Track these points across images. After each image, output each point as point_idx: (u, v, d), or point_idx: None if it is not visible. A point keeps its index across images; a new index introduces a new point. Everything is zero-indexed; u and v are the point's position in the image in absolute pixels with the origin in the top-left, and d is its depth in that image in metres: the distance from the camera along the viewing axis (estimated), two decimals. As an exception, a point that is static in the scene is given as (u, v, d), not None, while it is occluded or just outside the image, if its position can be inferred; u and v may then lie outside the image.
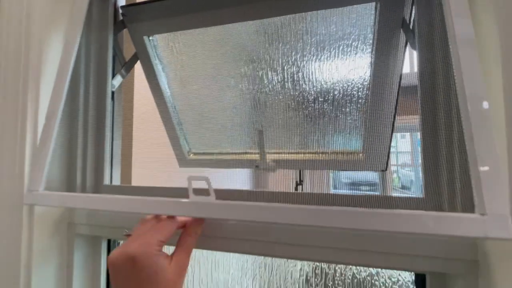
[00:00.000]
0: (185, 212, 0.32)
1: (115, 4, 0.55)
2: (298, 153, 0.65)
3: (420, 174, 0.36)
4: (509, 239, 0.22)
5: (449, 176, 0.33)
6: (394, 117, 0.56)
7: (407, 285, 0.36)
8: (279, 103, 0.59)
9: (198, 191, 0.35)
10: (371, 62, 0.50)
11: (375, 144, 0.58)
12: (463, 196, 0.31)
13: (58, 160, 0.46)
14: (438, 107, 0.35)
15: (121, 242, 0.51)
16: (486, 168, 0.24)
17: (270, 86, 0.57)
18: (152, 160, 0.94)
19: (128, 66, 0.58)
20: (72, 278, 0.45)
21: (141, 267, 0.26)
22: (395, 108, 0.55)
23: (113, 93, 0.54)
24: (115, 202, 0.35)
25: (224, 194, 0.41)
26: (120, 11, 0.56)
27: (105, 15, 0.53)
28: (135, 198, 0.35)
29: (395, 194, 0.45)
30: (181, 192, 0.42)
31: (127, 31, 0.58)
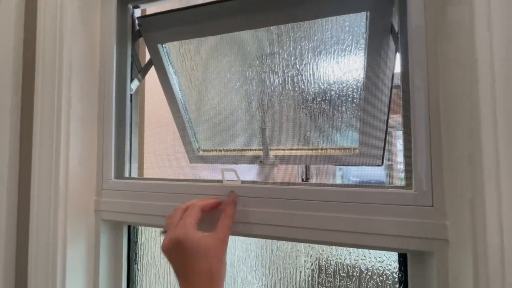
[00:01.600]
0: (221, 191, 0.45)
1: (132, 15, 0.62)
2: (299, 149, 0.70)
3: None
4: (429, 205, 0.35)
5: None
6: (388, 115, 0.60)
7: (390, 263, 0.41)
8: (281, 103, 0.64)
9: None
10: (364, 65, 0.55)
11: (371, 140, 0.62)
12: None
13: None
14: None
15: (141, 228, 0.58)
16: (419, 161, 0.36)
17: (272, 87, 0.62)
18: (164, 156, 1.01)
19: (144, 71, 0.64)
20: (99, 257, 0.52)
21: (186, 245, 0.33)
22: (389, 107, 0.59)
23: (131, 96, 0.60)
24: (165, 186, 0.48)
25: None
26: (137, 21, 0.62)
27: (124, 26, 0.59)
28: (183, 184, 0.48)
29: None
30: (198, 183, 0.48)
31: (142, 40, 0.64)
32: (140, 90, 0.96)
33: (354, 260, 0.43)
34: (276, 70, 0.60)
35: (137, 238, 0.57)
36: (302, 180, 2.51)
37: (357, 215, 0.37)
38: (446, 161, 0.34)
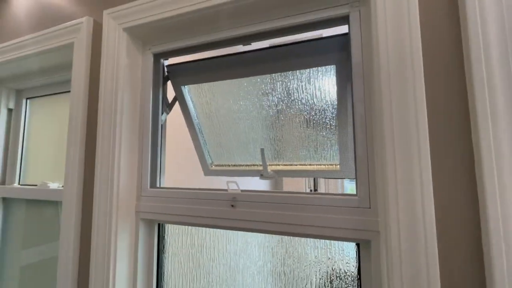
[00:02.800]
0: (226, 197, 0.61)
1: (163, 65, 0.82)
2: (291, 165, 0.87)
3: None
4: (367, 207, 0.47)
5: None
6: (354, 137, 0.76)
7: (348, 249, 0.56)
8: (277, 129, 0.82)
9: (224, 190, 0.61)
10: (336, 100, 0.71)
11: (346, 158, 0.78)
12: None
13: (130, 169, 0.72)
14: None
15: (167, 225, 0.76)
16: (361, 175, 0.47)
17: (268, 117, 0.80)
18: (183, 171, 1.21)
19: (170, 106, 0.84)
20: (138, 246, 0.70)
21: None
22: (354, 132, 0.75)
23: (161, 125, 0.80)
24: (186, 193, 0.64)
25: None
26: (165, 69, 0.83)
27: (158, 73, 0.80)
28: (198, 192, 0.64)
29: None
30: (210, 191, 0.66)
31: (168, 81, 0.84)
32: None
33: (322, 249, 0.58)
34: (271, 104, 0.78)
35: (164, 233, 0.75)
36: (310, 190, 2.65)
37: (318, 214, 0.53)
38: (378, 173, 0.50)
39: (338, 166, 0.82)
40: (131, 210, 0.71)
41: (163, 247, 0.74)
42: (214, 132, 0.91)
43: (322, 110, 0.74)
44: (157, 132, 0.77)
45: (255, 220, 0.59)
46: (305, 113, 0.76)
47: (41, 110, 1.12)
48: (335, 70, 0.67)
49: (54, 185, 1.00)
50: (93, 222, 0.68)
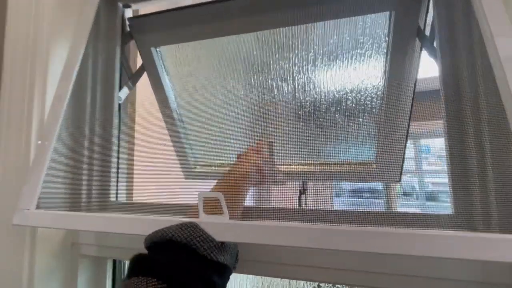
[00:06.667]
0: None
1: (122, 15, 0.55)
2: (308, 164, 0.64)
3: (448, 187, 0.35)
4: None
5: (481, 189, 0.31)
6: (408, 126, 0.55)
7: None
8: (290, 114, 0.58)
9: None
10: (385, 71, 0.49)
11: (389, 154, 0.56)
12: (500, 212, 0.29)
13: (63, 176, 0.44)
14: (464, 112, 0.33)
15: (126, 262, 0.49)
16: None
17: (280, 96, 0.56)
18: (156, 173, 0.92)
19: (135, 78, 0.57)
20: (76, 303, 0.43)
21: None
22: (409, 117, 0.54)
23: (119, 105, 0.52)
24: (112, 222, 0.33)
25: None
26: (127, 22, 0.55)
27: (113, 26, 0.52)
28: (127, 217, 0.32)
29: (417, 209, 0.44)
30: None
31: (133, 43, 0.57)
32: (131, 100, 0.88)
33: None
34: (285, 76, 0.54)
35: (123, 275, 0.47)
36: (300, 191, 2.45)
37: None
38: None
39: (374, 165, 0.60)
40: (64, 242, 0.43)
41: (121, 297, 0.47)
42: (200, 119, 0.64)
43: (362, 84, 0.51)
44: (110, 116, 0.50)
45: (291, 263, 0.34)
46: (335, 90, 0.53)
47: None
48: (390, 20, 0.44)
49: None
50: (-11, 267, 0.39)
